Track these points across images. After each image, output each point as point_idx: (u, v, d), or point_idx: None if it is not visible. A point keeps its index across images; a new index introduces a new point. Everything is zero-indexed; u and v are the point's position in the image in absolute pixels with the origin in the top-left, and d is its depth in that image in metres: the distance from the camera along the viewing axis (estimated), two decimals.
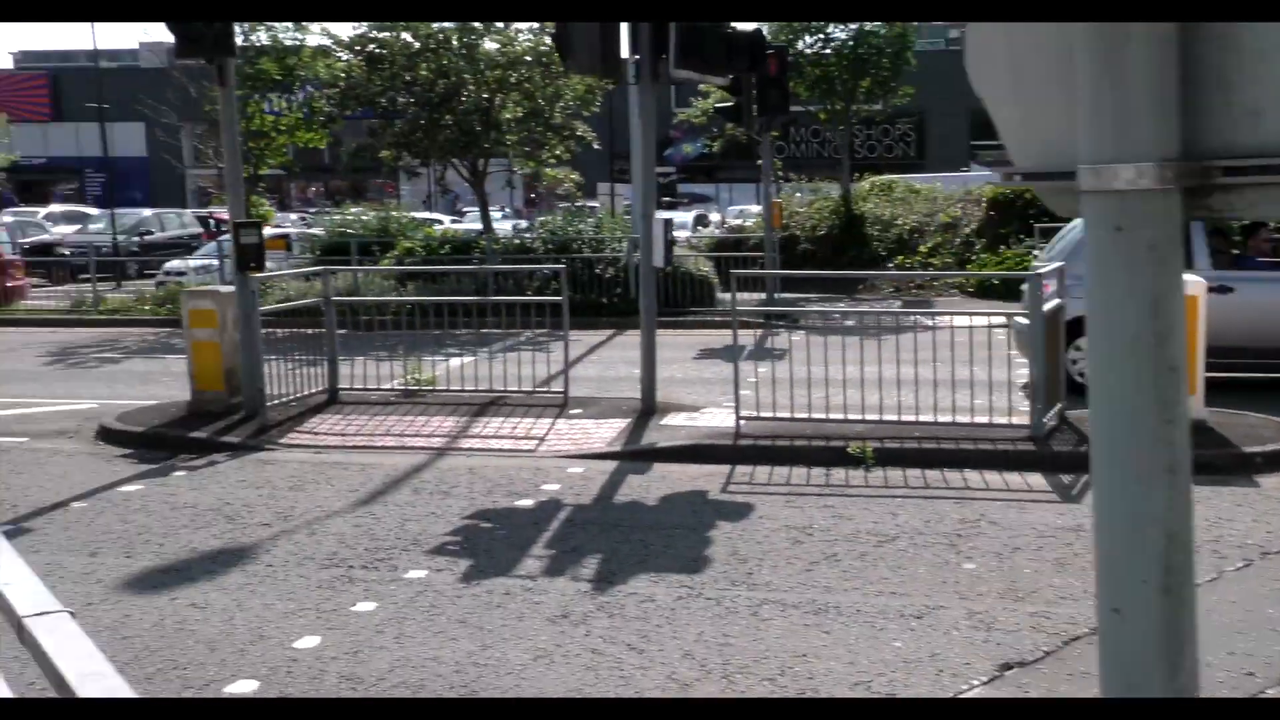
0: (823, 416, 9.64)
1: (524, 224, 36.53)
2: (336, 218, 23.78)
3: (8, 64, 75.53)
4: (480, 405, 11.26)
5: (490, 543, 7.11)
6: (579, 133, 20.74)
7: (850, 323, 13.47)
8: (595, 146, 21.96)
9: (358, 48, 19.80)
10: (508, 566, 6.63)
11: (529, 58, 19.63)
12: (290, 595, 6.18)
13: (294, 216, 41.08)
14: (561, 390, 11.27)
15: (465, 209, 50.03)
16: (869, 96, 23.38)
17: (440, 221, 32.63)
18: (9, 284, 22.29)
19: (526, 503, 8.04)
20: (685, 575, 6.41)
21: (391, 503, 8.09)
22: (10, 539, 7.05)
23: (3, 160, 43.81)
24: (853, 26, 22.20)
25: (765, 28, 20.14)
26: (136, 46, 61.70)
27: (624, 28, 9.16)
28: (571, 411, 10.86)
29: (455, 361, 13.29)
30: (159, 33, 36.83)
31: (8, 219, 34.36)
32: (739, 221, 32.14)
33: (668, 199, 44.69)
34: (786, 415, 9.73)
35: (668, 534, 7.23)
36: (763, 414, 9.75)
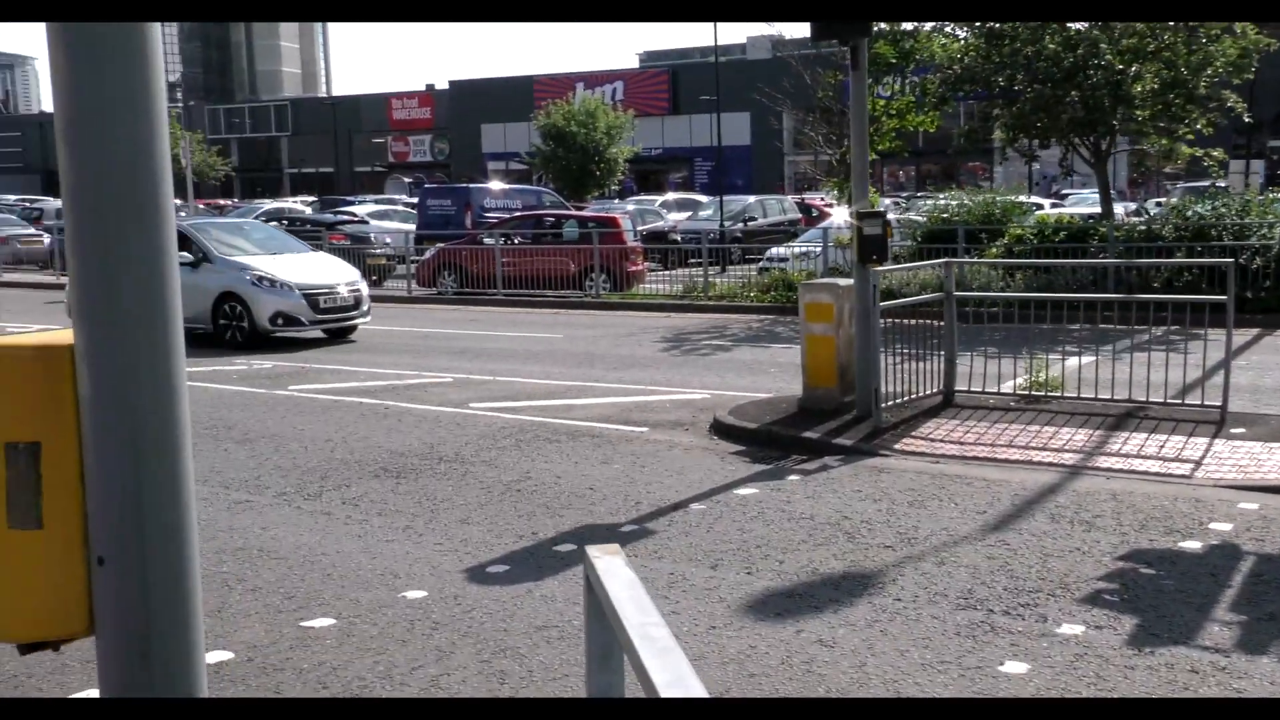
0: None
1: (1131, 206, 33.63)
2: (940, 203, 22.89)
3: (634, 63, 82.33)
4: (1115, 416, 9.95)
5: (1157, 596, 5.94)
6: (1229, 103, 18.27)
7: None
8: (1246, 119, 19.33)
9: (978, 24, 18.72)
10: (1186, 632, 5.45)
11: (1172, 22, 17.56)
12: (925, 642, 5.43)
13: (887, 202, 40.87)
14: (1217, 404, 9.67)
15: (1065, 192, 47.27)
16: None
17: (1040, 205, 30.81)
18: (630, 269, 23.68)
19: (1193, 545, 6.74)
20: None
21: (1026, 531, 7.12)
22: (636, 540, 6.90)
23: (627, 152, 47.49)
24: None
25: None
26: (744, 40, 64.68)
27: None
28: (1232, 430, 9.26)
29: (1074, 361, 11.99)
30: (771, 26, 37.87)
31: (630, 207, 37.01)
32: None
33: None
34: None
35: None
36: None
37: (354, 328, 17.77)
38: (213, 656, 5.39)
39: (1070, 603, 5.88)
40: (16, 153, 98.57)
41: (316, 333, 17.34)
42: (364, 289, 17.85)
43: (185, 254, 16.88)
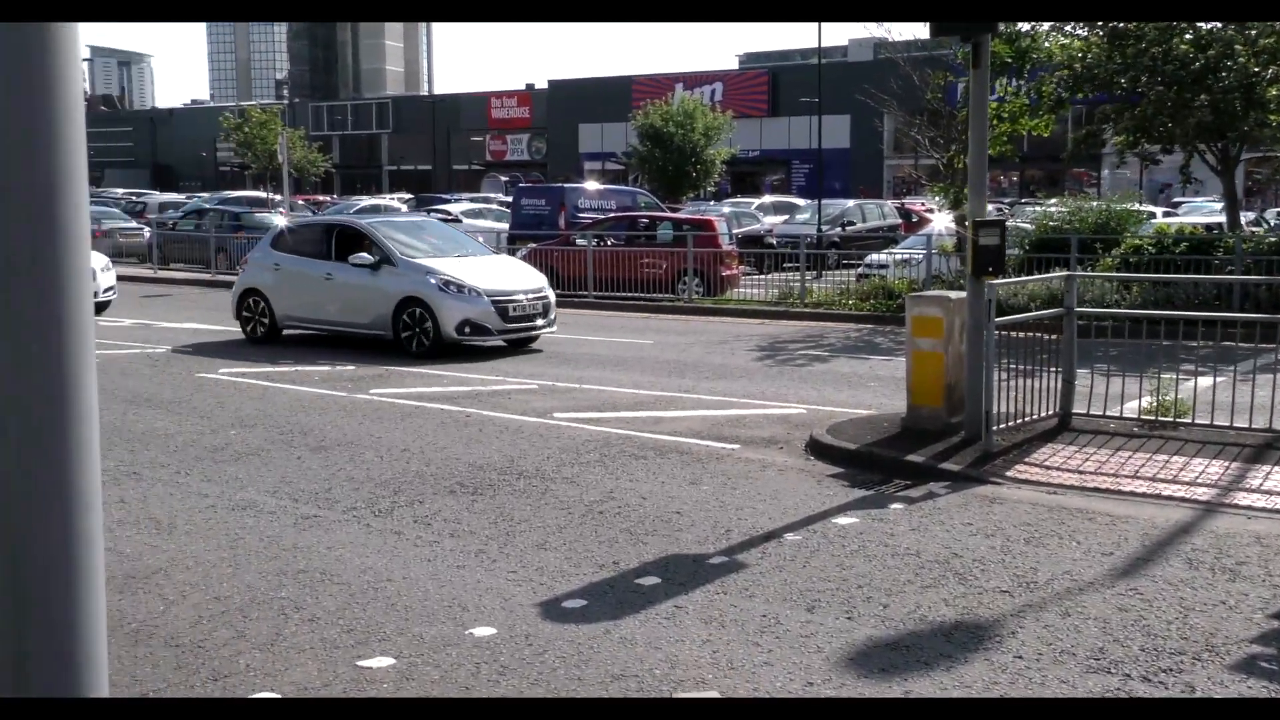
0: None
1: (1250, 215, 32.12)
2: (1050, 210, 21.92)
3: (733, 65, 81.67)
4: (1253, 447, 9.12)
5: None
6: None
7: None
8: None
9: (1099, 23, 17.72)
10: None
11: None
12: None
13: (991, 208, 39.59)
14: None
15: (1178, 200, 45.62)
16: None
17: (1152, 214, 29.57)
18: (725, 273, 23.05)
19: None
20: None
21: (1161, 578, 6.39)
22: (725, 574, 6.30)
23: (724, 154, 46.80)
24: None
25: None
26: (846, 43, 63.65)
27: None
28: None
29: (1202, 383, 11.13)
30: (880, 26, 36.74)
31: (726, 209, 36.35)
32: None
33: None
34: None
35: None
36: None
37: (536, 337, 16.49)
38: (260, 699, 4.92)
39: (1220, 669, 5.16)
40: (128, 147, 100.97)
41: (499, 342, 15.94)
42: (551, 296, 16.39)
43: (365, 255, 15.82)
